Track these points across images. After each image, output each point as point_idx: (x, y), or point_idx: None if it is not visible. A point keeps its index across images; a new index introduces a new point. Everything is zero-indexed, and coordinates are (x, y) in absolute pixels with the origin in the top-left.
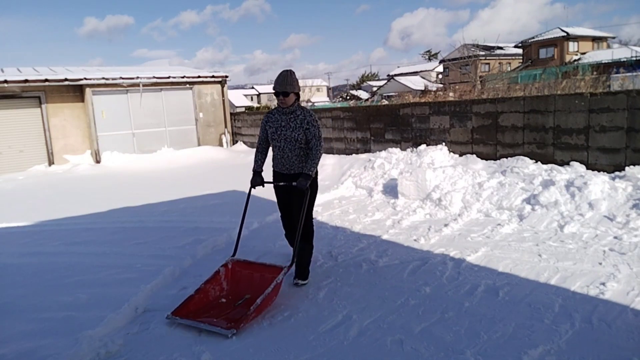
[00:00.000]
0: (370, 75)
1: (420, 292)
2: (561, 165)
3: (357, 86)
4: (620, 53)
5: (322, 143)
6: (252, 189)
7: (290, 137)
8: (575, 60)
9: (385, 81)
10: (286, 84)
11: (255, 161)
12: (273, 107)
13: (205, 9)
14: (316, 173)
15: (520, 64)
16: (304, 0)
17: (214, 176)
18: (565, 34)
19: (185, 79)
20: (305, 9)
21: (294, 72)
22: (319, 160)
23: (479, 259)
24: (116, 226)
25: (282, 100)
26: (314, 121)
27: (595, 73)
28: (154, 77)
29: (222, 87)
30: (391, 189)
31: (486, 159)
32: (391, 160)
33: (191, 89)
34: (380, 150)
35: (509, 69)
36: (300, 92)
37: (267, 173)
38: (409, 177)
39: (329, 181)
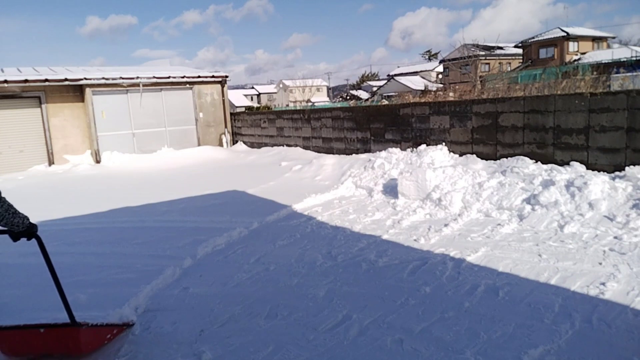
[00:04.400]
0: (370, 75)
1: (420, 292)
2: (561, 165)
3: (357, 86)
4: (620, 53)
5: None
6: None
7: None
8: (575, 60)
9: (385, 81)
10: None
11: None
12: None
13: (208, 8)
14: None
15: (520, 64)
16: (308, 0)
17: (214, 176)
18: (565, 34)
19: (185, 79)
20: (308, 9)
21: None
22: None
23: (479, 259)
24: (116, 226)
25: None
26: None
27: (595, 73)
28: (154, 77)
29: (222, 87)
30: (391, 189)
31: (486, 159)
32: (391, 160)
33: (191, 89)
34: (380, 150)
35: (509, 69)
36: (300, 92)
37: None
38: (409, 177)
39: (329, 181)
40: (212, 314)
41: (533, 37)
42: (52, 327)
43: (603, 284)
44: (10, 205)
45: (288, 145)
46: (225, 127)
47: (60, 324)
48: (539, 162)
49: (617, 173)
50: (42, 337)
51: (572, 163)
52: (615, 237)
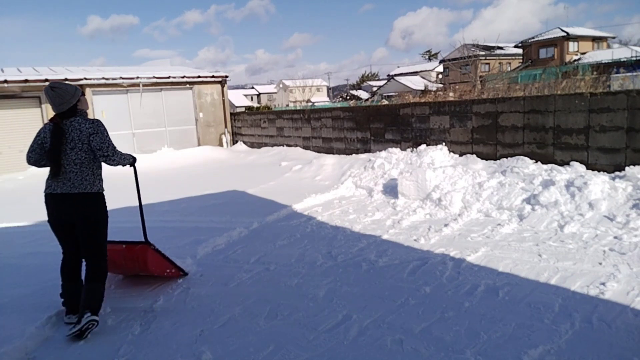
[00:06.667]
0: (370, 75)
1: (420, 292)
2: (561, 165)
3: (357, 86)
4: (620, 53)
5: None
6: None
7: None
8: (575, 60)
9: (386, 81)
10: None
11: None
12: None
13: (209, 8)
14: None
15: (520, 64)
16: (308, 0)
17: (214, 176)
18: (565, 34)
19: (185, 79)
20: (309, 8)
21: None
22: None
23: (479, 259)
24: (116, 226)
25: None
26: None
27: (595, 73)
28: (154, 77)
29: (222, 87)
30: (391, 189)
31: (486, 159)
32: (391, 160)
33: (191, 89)
34: (380, 150)
35: (509, 69)
36: (300, 92)
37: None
38: (409, 177)
39: (329, 181)
40: (213, 314)
41: (533, 37)
42: (130, 243)
43: (603, 284)
44: (121, 154)
45: (288, 145)
46: (225, 127)
47: (137, 242)
48: (539, 162)
49: (617, 173)
50: (123, 252)
51: (572, 163)
52: (615, 237)
